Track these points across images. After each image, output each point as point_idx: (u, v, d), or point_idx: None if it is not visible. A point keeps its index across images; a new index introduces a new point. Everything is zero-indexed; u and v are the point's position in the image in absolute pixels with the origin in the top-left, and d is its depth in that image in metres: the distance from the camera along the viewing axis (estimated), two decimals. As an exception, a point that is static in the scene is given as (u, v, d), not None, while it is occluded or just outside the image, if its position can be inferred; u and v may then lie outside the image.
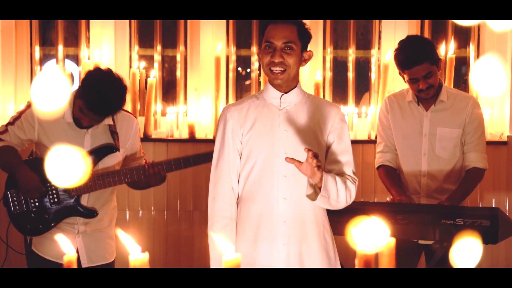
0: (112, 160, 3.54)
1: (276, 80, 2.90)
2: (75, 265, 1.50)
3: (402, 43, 3.81)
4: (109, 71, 3.38)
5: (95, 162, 3.49)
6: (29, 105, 3.50)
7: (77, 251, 3.52)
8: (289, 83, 2.94)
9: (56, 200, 3.48)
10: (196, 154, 3.60)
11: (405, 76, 3.73)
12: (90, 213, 3.52)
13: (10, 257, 3.96)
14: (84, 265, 3.52)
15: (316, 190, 2.83)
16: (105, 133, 3.51)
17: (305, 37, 2.95)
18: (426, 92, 3.72)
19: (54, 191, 3.49)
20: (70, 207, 3.50)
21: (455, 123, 3.79)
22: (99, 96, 3.30)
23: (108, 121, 3.50)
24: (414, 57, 3.66)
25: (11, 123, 3.49)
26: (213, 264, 2.91)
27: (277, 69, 2.87)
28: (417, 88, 3.71)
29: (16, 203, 3.49)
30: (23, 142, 3.51)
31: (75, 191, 3.47)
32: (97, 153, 3.49)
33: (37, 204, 3.48)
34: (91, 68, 3.75)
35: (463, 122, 3.78)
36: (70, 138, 3.45)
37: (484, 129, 3.85)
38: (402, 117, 3.86)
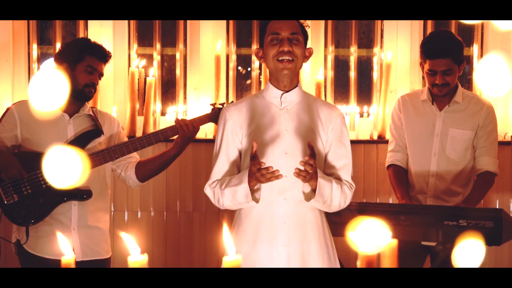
0: (96, 146, 3.54)
1: (284, 70, 2.87)
2: (73, 267, 1.48)
3: (433, 33, 3.89)
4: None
5: (83, 147, 3.48)
6: (7, 110, 3.54)
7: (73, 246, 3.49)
8: (292, 79, 2.92)
9: (48, 184, 3.43)
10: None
11: (425, 66, 3.72)
12: (83, 193, 3.48)
13: (4, 255, 3.93)
14: (78, 258, 3.48)
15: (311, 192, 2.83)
16: (88, 121, 3.55)
17: (306, 34, 2.96)
18: (439, 89, 3.70)
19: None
20: (64, 190, 3.44)
21: (468, 125, 3.77)
22: (96, 43, 3.57)
23: (89, 111, 3.56)
24: (440, 48, 3.66)
25: None
26: (227, 196, 2.86)
27: (286, 58, 2.83)
28: (433, 82, 3.70)
29: (7, 194, 3.44)
30: (7, 144, 3.47)
31: None
32: (83, 138, 3.50)
33: (29, 191, 3.43)
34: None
35: (476, 125, 3.77)
36: (53, 129, 3.48)
37: (497, 134, 3.85)
38: (415, 116, 3.85)
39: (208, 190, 2.92)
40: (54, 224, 3.47)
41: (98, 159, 3.46)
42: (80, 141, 3.49)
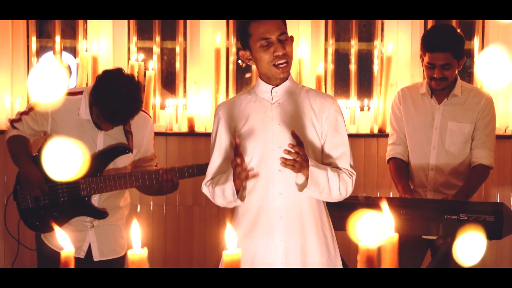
0: (124, 161, 3.47)
1: (282, 74, 2.84)
2: (72, 262, 1.49)
3: (435, 26, 3.88)
4: (117, 78, 3.24)
5: (107, 163, 3.42)
6: None
7: (90, 244, 3.48)
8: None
9: (66, 199, 3.43)
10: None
11: (425, 59, 3.72)
12: (100, 214, 3.46)
13: (21, 252, 3.94)
14: (96, 258, 3.47)
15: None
16: (120, 132, 3.43)
17: (285, 23, 2.89)
18: (437, 83, 3.69)
19: (64, 190, 3.43)
20: (80, 206, 3.44)
21: (467, 118, 3.77)
22: (116, 109, 3.19)
23: None
24: (440, 42, 3.66)
25: (25, 112, 3.44)
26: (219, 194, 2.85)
27: (282, 61, 2.81)
28: (431, 75, 3.70)
29: (24, 199, 3.46)
30: (37, 133, 3.47)
31: (85, 190, 3.40)
32: (109, 154, 3.43)
33: (46, 201, 3.43)
34: (93, 66, 3.64)
35: (475, 118, 3.76)
36: (83, 136, 3.37)
37: (494, 127, 3.84)
38: (414, 109, 3.84)
39: (204, 189, 2.93)
40: (72, 223, 3.47)
41: (118, 183, 3.40)
42: (106, 155, 3.42)
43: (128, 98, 3.20)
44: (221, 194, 2.84)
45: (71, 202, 3.43)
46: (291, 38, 2.88)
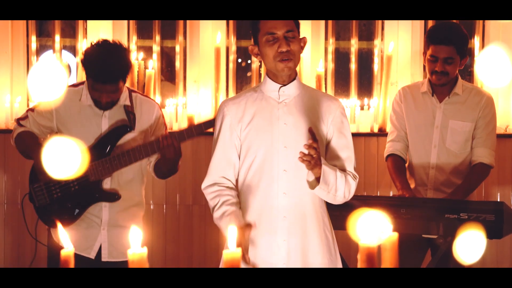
0: (129, 141, 3.46)
1: (285, 69, 2.83)
2: (72, 261, 1.48)
3: (442, 21, 3.88)
4: (103, 40, 3.40)
5: (112, 145, 3.43)
6: None
7: (101, 246, 3.49)
8: (290, 74, 2.88)
9: (77, 187, 3.44)
10: (208, 120, 3.48)
11: (428, 52, 3.72)
12: (111, 195, 3.46)
13: (40, 253, 3.94)
14: (104, 259, 3.48)
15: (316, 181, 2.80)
16: (121, 113, 3.45)
17: (298, 24, 2.90)
18: (439, 77, 3.69)
19: (73, 179, 3.43)
20: (92, 192, 3.45)
21: (468, 117, 3.77)
22: (99, 63, 3.30)
23: (125, 101, 3.44)
24: (445, 35, 3.67)
25: (31, 109, 3.49)
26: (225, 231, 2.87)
27: (285, 58, 2.80)
28: (433, 68, 3.70)
29: (39, 197, 3.48)
30: (43, 130, 3.49)
31: (93, 175, 3.42)
32: (112, 135, 3.43)
33: (59, 194, 3.45)
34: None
35: (476, 117, 3.77)
36: (87, 122, 3.42)
37: (495, 126, 3.83)
38: (415, 108, 3.84)
39: (205, 192, 2.93)
40: (86, 220, 3.48)
41: (123, 160, 3.39)
42: (110, 138, 3.43)
43: (113, 52, 3.33)
44: (220, 227, 2.88)
45: (82, 189, 3.44)
46: (301, 38, 2.87)
